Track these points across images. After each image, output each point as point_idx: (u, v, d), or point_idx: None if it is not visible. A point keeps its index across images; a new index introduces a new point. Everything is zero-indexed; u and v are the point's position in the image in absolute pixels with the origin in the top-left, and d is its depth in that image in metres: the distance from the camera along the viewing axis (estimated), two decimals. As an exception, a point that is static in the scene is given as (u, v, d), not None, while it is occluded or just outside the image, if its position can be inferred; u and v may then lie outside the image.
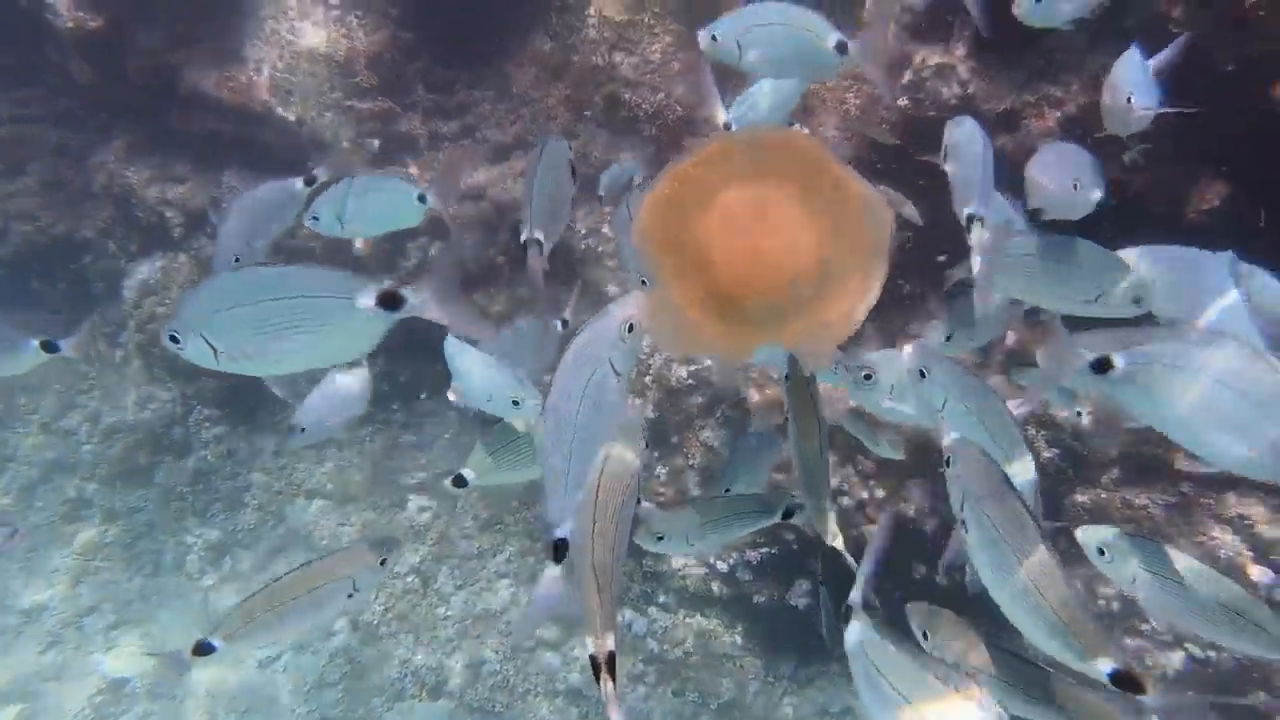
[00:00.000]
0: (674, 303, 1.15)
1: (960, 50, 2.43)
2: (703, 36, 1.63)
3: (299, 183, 1.93)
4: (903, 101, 2.47)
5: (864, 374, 1.55)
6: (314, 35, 3.05)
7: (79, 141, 3.49)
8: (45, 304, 3.61)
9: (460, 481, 1.60)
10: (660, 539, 1.65)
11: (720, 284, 1.13)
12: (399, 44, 3.08)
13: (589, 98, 2.90)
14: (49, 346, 1.66)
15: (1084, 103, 2.27)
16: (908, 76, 2.46)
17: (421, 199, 1.78)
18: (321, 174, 1.86)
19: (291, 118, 3.04)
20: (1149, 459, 2.37)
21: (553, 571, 1.16)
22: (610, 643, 1.13)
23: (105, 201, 3.43)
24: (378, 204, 1.78)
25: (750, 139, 1.17)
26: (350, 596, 1.51)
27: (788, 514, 1.63)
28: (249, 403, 3.41)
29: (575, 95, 2.93)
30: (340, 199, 1.74)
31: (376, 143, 3.00)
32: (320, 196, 1.76)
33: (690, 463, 2.79)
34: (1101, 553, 1.45)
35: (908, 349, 1.50)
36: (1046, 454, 2.56)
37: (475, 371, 1.59)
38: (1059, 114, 2.32)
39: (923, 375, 1.47)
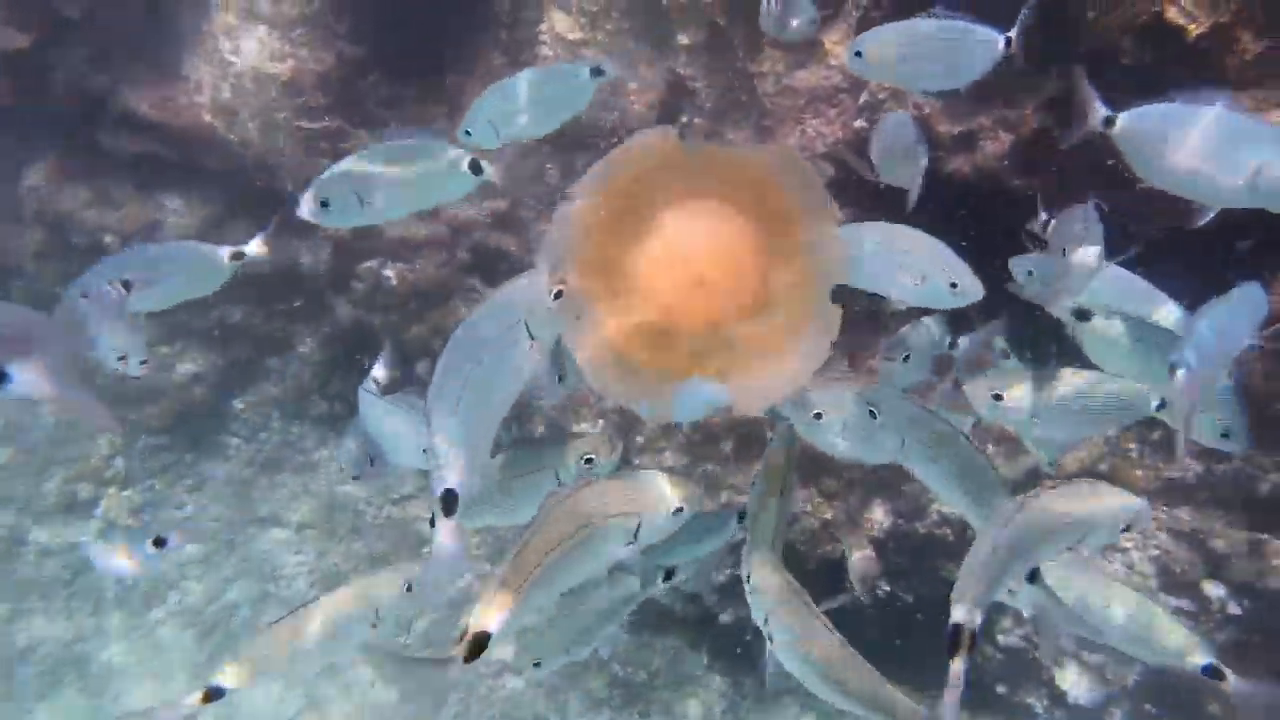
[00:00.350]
0: (604, 332, 1.03)
1: (916, 72, 2.43)
2: (460, 137, 1.72)
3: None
4: (858, 124, 2.47)
5: (814, 414, 1.49)
6: (258, 53, 2.95)
7: (6, 165, 3.34)
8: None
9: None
10: (537, 664, 1.57)
11: (658, 315, 1.02)
12: (347, 60, 3.00)
13: (543, 116, 2.85)
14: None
15: (1038, 126, 2.29)
16: (863, 98, 2.47)
17: (238, 256, 1.72)
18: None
19: (236, 139, 2.94)
20: (1106, 476, 2.40)
21: (446, 524, 1.07)
22: (491, 620, 1.06)
23: (37, 226, 3.28)
24: (173, 270, 1.68)
25: (691, 146, 1.05)
26: (373, 627, 1.41)
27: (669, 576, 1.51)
28: (196, 429, 3.30)
29: (529, 114, 2.88)
30: (123, 270, 1.64)
31: (326, 163, 2.91)
32: (95, 269, 1.65)
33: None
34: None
35: (856, 387, 1.44)
36: (1005, 472, 2.58)
37: (389, 429, 1.54)
38: (1013, 137, 2.34)
39: (873, 415, 1.41)
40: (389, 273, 3.03)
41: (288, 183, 2.94)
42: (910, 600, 2.63)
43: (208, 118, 2.96)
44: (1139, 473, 2.33)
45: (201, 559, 3.26)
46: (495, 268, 3.05)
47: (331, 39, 2.99)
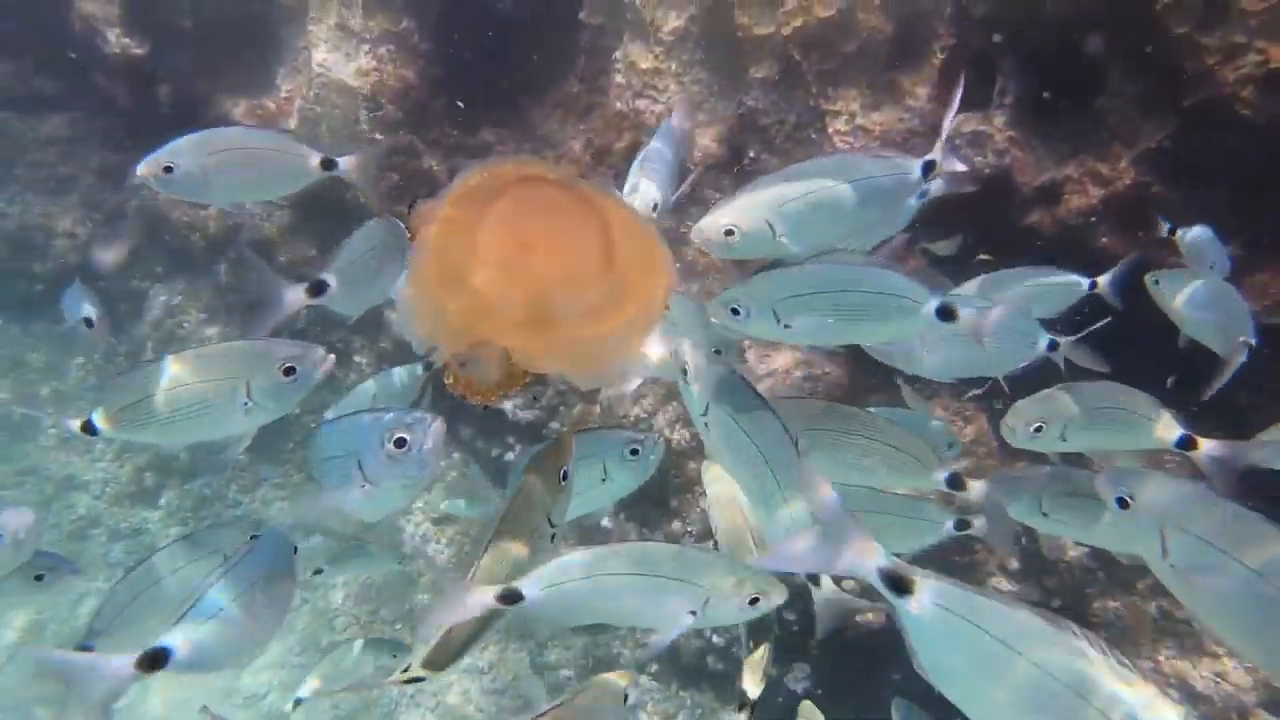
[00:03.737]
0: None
1: (1000, 118, 2.27)
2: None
3: None
4: (932, 168, 2.32)
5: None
6: (345, 67, 3.03)
7: (118, 163, 3.53)
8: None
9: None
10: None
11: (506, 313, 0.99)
12: (427, 79, 3.04)
13: (611, 144, 2.81)
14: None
15: (1133, 180, 2.09)
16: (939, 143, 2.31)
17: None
18: None
19: (315, 149, 3.02)
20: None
21: None
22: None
23: (138, 224, 3.45)
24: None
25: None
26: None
27: None
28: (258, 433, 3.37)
29: (598, 140, 2.84)
30: None
31: (395, 177, 2.95)
32: None
33: (689, 529, 2.66)
34: None
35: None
36: (1073, 553, 2.36)
37: None
38: (1103, 192, 2.14)
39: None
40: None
41: (357, 195, 2.99)
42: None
43: (292, 125, 3.05)
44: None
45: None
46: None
47: (414, 57, 3.05)
